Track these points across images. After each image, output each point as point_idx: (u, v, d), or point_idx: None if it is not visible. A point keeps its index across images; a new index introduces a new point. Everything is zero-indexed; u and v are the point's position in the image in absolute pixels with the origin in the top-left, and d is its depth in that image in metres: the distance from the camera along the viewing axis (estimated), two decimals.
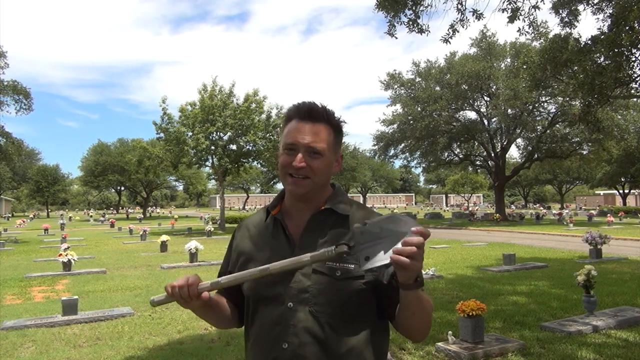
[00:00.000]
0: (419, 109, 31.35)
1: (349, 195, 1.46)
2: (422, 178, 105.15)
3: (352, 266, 1.25)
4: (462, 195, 68.13)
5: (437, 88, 31.40)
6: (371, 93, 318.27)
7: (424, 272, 9.33)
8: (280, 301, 1.29)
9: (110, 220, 36.05)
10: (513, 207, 64.73)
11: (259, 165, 31.46)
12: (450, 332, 5.10)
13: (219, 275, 1.42)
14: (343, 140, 1.46)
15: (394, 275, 1.22)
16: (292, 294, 1.27)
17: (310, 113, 1.33)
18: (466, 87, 30.30)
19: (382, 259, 1.10)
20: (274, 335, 1.28)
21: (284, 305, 1.28)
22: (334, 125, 1.37)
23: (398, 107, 32.89)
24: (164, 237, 15.99)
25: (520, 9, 8.24)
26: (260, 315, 1.33)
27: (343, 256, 1.14)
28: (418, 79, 32.41)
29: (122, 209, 75.64)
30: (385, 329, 1.37)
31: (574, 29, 10.50)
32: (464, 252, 14.33)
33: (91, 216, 53.34)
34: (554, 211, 41.52)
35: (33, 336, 5.92)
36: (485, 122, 32.70)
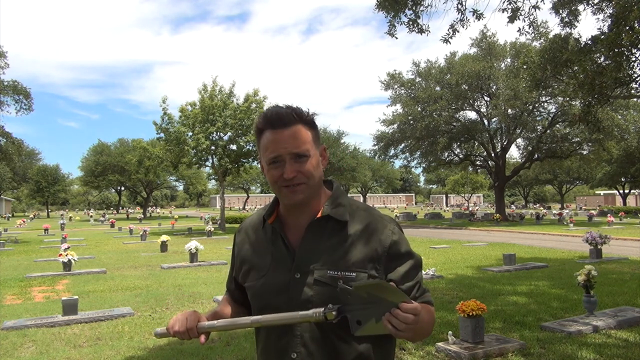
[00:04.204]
0: (419, 109, 31.35)
1: (348, 195, 1.43)
2: (422, 178, 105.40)
3: (354, 274, 1.26)
4: (462, 195, 68.11)
5: (437, 88, 31.39)
6: (371, 93, 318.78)
7: (423, 273, 9.33)
8: (285, 311, 1.26)
9: (111, 220, 36.06)
10: (513, 207, 64.64)
11: (259, 165, 31.43)
12: (450, 332, 5.11)
13: (229, 280, 1.54)
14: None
15: None
16: (296, 305, 1.26)
17: (280, 119, 1.28)
18: (466, 87, 30.27)
19: (376, 328, 1.14)
20: (282, 345, 1.29)
21: None
22: (307, 122, 1.32)
23: (398, 107, 32.94)
24: (164, 237, 16.00)
25: (520, 9, 8.26)
26: None
27: (328, 320, 1.18)
28: (418, 79, 32.41)
29: (123, 209, 75.67)
30: (391, 335, 1.36)
31: (574, 29, 10.51)
32: (464, 252, 14.33)
33: (91, 216, 53.28)
34: (554, 211, 41.49)
35: (33, 336, 5.93)
36: (486, 122, 32.68)
